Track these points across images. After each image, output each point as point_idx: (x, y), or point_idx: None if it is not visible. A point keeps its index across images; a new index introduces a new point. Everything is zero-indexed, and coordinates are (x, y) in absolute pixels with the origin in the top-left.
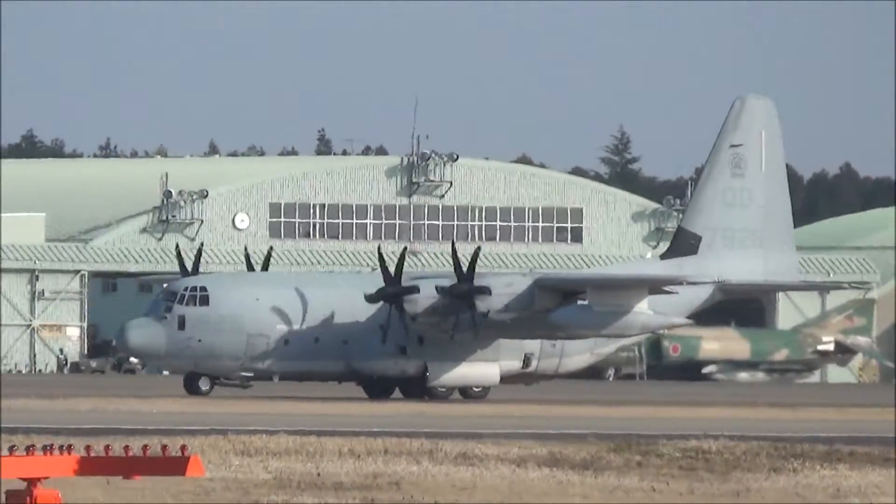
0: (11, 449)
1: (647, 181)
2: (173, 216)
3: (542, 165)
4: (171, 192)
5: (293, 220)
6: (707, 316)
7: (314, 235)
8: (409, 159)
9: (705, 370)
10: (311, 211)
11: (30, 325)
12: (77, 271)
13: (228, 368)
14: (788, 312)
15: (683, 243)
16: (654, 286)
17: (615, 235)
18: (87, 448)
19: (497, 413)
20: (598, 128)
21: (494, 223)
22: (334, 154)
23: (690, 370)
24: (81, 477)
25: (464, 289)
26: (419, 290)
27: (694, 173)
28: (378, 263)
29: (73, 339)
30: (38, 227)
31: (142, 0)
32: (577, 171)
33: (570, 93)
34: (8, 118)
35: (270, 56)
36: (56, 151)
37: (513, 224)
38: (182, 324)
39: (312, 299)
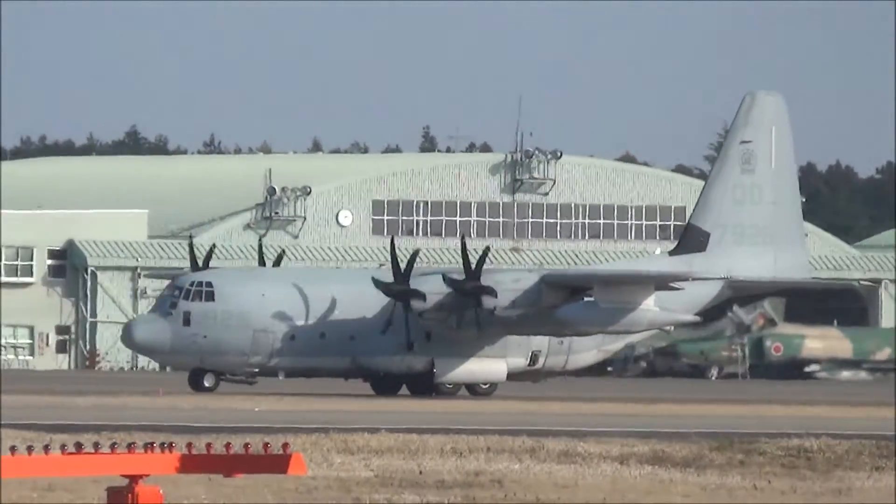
0: (113, 446)
1: None
2: (276, 213)
3: (645, 163)
4: (274, 188)
5: (396, 217)
6: (810, 315)
7: (417, 233)
8: (512, 156)
9: (808, 369)
10: (415, 208)
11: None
12: (180, 268)
13: (234, 364)
14: (892, 311)
15: (692, 240)
16: (661, 282)
17: None
18: (189, 446)
19: (599, 411)
20: (702, 125)
21: (598, 221)
22: (438, 151)
23: (793, 369)
24: (183, 474)
25: (470, 285)
26: (426, 287)
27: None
28: (389, 258)
29: None
30: (140, 223)
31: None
32: (681, 169)
33: (674, 90)
34: (112, 115)
35: (375, 53)
36: (160, 148)
37: (616, 222)
38: (187, 320)
39: (319, 295)
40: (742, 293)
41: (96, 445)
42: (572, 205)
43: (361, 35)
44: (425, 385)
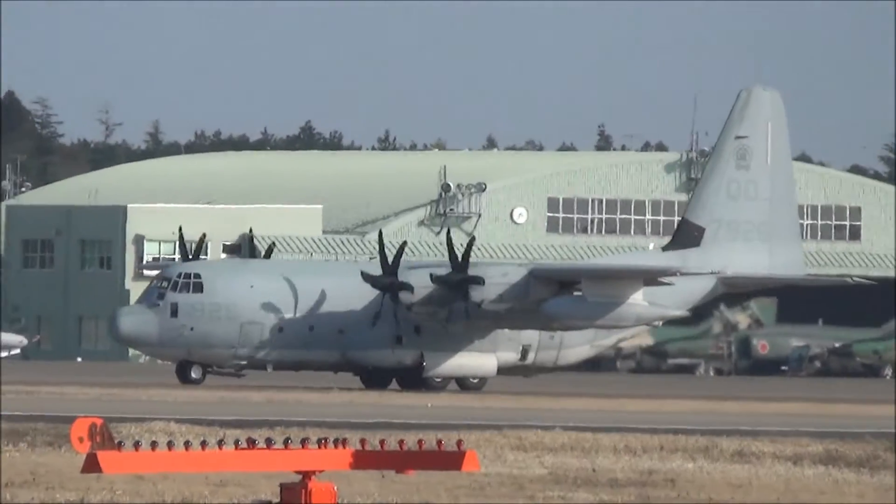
0: (286, 442)
1: None
2: (451, 209)
3: (820, 163)
4: (449, 185)
5: (571, 215)
6: None
7: (592, 231)
8: (687, 155)
9: None
10: (590, 206)
11: None
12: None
13: (221, 357)
14: None
15: (686, 235)
16: (649, 277)
17: (894, 233)
18: (362, 442)
19: (774, 411)
20: (879, 125)
21: None
22: (613, 149)
23: None
24: (356, 471)
25: (457, 278)
26: (414, 280)
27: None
28: (378, 251)
29: None
30: (315, 219)
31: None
32: (856, 169)
33: (850, 91)
34: (287, 110)
35: (550, 52)
36: (333, 144)
37: None
38: (175, 311)
39: (308, 288)
40: (736, 289)
41: (269, 441)
42: None
43: (539, 34)
44: (414, 379)
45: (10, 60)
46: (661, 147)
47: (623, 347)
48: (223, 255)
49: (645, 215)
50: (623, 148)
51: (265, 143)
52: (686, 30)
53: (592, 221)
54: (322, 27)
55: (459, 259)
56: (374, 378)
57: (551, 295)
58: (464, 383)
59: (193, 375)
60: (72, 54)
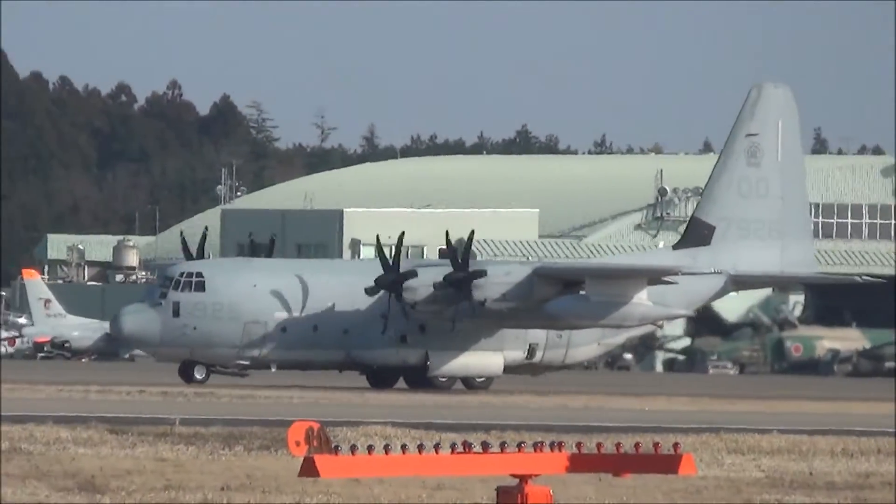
0: (503, 446)
1: None
2: (667, 213)
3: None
4: (665, 189)
5: None
6: None
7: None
8: None
9: None
10: (812, 209)
11: None
12: None
13: (224, 357)
14: None
15: (696, 233)
16: (653, 276)
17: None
18: (578, 445)
19: None
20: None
21: None
22: (829, 153)
23: None
24: (572, 474)
25: (459, 276)
26: (417, 277)
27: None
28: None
29: None
30: (531, 223)
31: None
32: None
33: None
34: (503, 114)
35: (773, 54)
36: (549, 148)
37: None
38: (177, 310)
39: (311, 287)
40: (746, 287)
41: (485, 445)
42: None
43: (766, 36)
44: (420, 378)
45: (226, 66)
46: (877, 151)
47: (840, 350)
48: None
49: (861, 219)
50: (839, 151)
51: (481, 147)
52: None
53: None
54: (538, 29)
55: (459, 257)
56: (381, 377)
57: (556, 294)
58: (469, 382)
59: (197, 375)
60: (288, 59)
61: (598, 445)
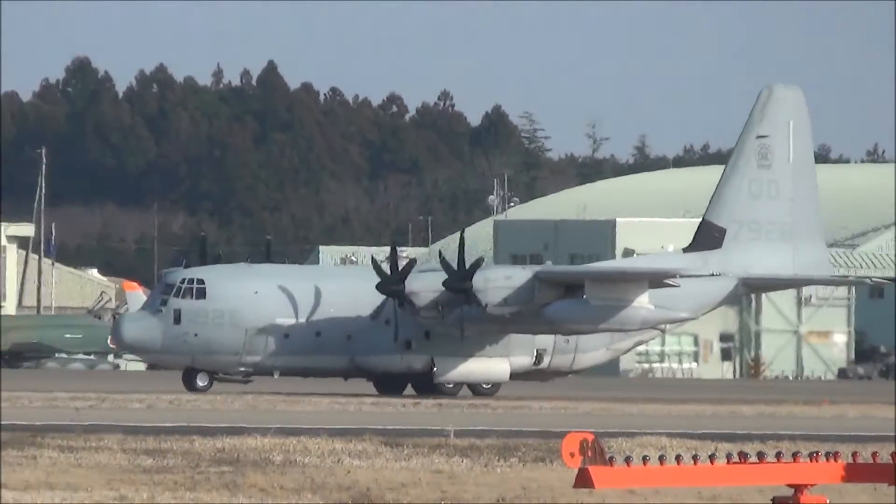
0: (778, 455)
1: None
2: None
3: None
4: None
5: None
6: None
7: None
8: None
9: None
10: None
11: (796, 332)
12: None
13: (226, 364)
14: None
15: (707, 236)
16: (654, 280)
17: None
18: (854, 454)
19: None
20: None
21: None
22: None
23: None
24: (848, 484)
25: (458, 282)
26: (420, 285)
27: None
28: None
29: (839, 344)
30: None
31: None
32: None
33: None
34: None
35: None
36: (822, 157)
37: None
38: (178, 318)
39: (314, 293)
40: (757, 290)
41: (761, 455)
42: None
43: None
44: (425, 384)
45: (497, 76)
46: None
47: None
48: None
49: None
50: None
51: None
52: None
53: None
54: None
55: (457, 263)
56: (388, 384)
57: (557, 298)
58: (476, 389)
59: (199, 383)
60: (560, 69)
61: (874, 455)
